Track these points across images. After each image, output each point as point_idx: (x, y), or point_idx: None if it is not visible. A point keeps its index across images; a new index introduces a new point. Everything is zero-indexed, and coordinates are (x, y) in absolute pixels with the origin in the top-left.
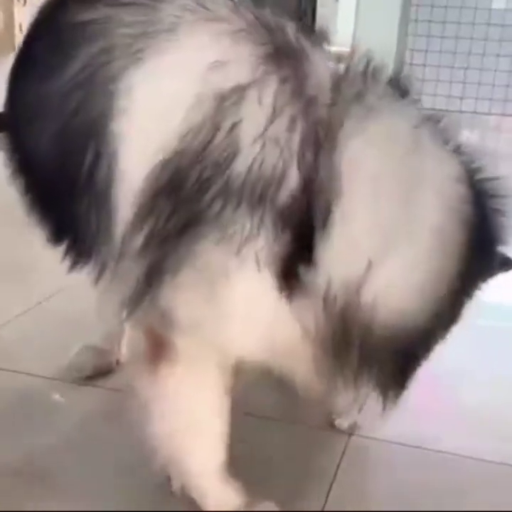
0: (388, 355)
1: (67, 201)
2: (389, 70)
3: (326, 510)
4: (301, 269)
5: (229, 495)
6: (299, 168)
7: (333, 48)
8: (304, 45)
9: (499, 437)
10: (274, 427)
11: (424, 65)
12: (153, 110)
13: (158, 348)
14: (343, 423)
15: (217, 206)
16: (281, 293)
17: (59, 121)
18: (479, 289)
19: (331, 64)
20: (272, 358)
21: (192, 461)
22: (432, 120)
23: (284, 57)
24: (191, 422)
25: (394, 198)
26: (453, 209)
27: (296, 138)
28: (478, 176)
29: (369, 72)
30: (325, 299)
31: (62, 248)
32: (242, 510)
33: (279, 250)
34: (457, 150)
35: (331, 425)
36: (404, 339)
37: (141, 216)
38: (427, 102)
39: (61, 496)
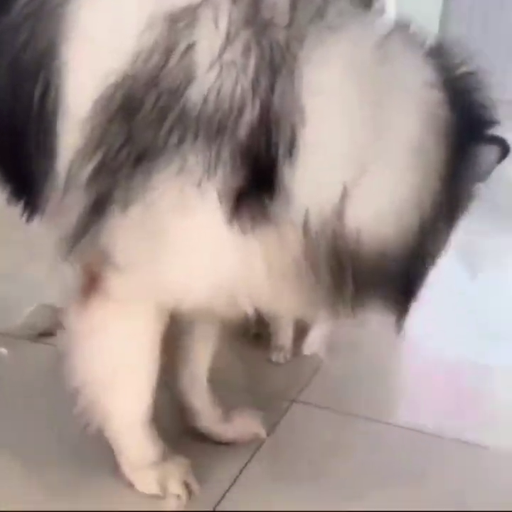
0: (383, 278)
1: (20, 148)
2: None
3: (241, 476)
4: (267, 202)
5: (146, 445)
6: (254, 97)
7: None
8: None
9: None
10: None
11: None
12: (102, 30)
13: (92, 281)
14: (309, 350)
15: (174, 137)
16: (242, 228)
17: (9, 56)
18: (471, 194)
19: None
20: (236, 298)
21: (114, 406)
22: (400, 28)
23: None
24: (116, 364)
25: (364, 116)
26: (430, 116)
27: (252, 64)
28: (458, 73)
29: None
30: (303, 229)
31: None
32: (154, 462)
33: (237, 184)
34: (432, 53)
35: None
36: (395, 259)
37: (91, 144)
38: None
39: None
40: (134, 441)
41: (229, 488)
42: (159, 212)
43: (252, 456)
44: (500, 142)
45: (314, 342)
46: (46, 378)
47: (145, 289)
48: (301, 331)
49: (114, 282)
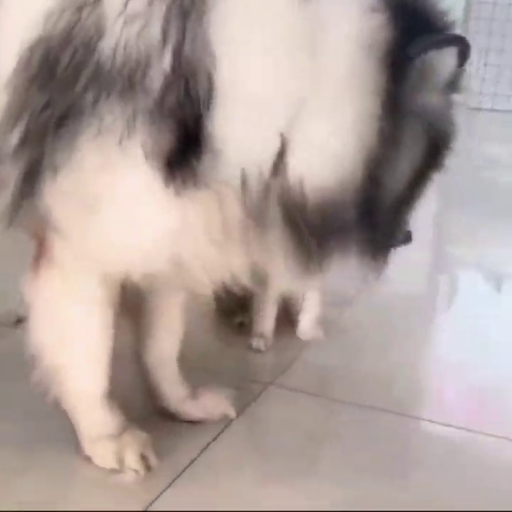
0: (343, 224)
1: None
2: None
3: (203, 454)
4: (195, 161)
5: (103, 418)
6: (165, 45)
7: None
8: None
9: None
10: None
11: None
12: None
13: (40, 249)
14: (306, 333)
15: (91, 94)
16: (175, 190)
17: None
18: (429, 109)
19: None
20: (183, 262)
21: (68, 376)
22: None
23: None
24: (66, 333)
25: (291, 55)
26: (371, 42)
27: (160, 11)
28: None
29: None
30: (241, 188)
31: None
32: (112, 435)
33: (164, 143)
34: None
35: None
36: (349, 202)
37: (15, 110)
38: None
39: None
40: (91, 412)
41: (189, 465)
42: (86, 175)
43: (217, 436)
44: (457, 41)
45: (309, 326)
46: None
47: (86, 255)
48: (286, 318)
49: (58, 249)
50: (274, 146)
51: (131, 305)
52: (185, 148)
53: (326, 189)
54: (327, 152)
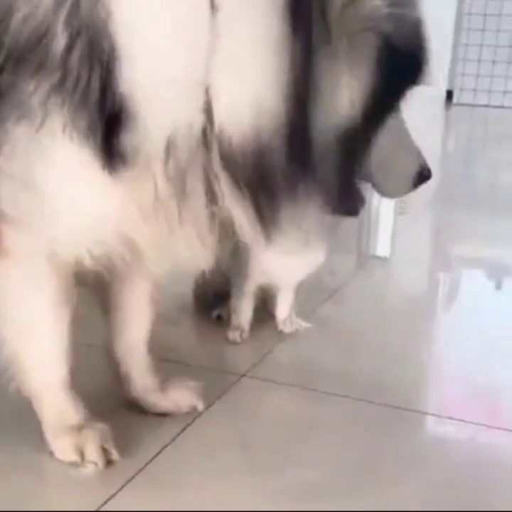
0: (290, 173)
1: None
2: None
3: (169, 447)
4: (116, 137)
5: (65, 408)
6: (61, 6)
7: None
8: None
9: None
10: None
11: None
12: None
13: None
14: (285, 327)
15: (8, 77)
16: (109, 171)
17: None
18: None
19: None
20: (129, 244)
21: (28, 364)
22: None
23: None
24: (24, 323)
25: None
26: None
27: None
28: None
29: None
30: (165, 153)
31: None
32: (73, 427)
33: (83, 120)
34: None
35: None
36: (283, 146)
37: None
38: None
39: None
40: (52, 402)
41: (154, 457)
42: (19, 162)
43: (185, 428)
44: None
45: (286, 318)
46: None
47: (35, 242)
48: (265, 310)
49: (10, 239)
50: (195, 101)
51: (100, 296)
52: (105, 122)
53: (248, 134)
54: (241, 94)
